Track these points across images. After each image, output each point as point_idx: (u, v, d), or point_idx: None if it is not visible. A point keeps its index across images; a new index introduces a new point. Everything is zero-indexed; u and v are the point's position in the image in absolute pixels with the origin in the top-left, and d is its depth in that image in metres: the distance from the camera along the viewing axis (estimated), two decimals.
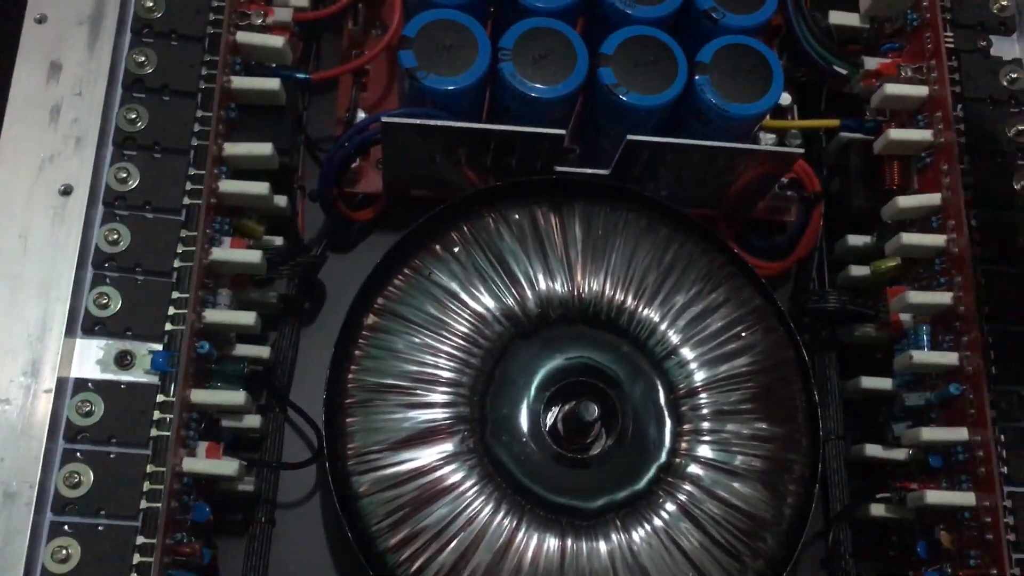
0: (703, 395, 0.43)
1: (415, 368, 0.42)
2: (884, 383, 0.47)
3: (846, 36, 0.52)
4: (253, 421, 0.45)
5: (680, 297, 0.44)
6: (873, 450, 0.47)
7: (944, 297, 0.44)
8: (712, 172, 0.48)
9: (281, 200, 0.47)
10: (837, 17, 0.51)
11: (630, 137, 0.44)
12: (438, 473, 0.41)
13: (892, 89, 0.48)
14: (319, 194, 0.48)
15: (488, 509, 0.40)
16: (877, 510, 0.46)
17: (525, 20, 0.46)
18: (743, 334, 0.44)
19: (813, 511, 0.43)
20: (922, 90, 0.48)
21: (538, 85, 0.45)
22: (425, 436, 0.41)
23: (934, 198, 0.46)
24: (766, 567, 0.42)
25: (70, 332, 0.39)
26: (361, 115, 0.51)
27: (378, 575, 0.40)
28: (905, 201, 0.46)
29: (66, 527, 0.37)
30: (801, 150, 0.47)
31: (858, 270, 0.49)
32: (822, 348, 0.50)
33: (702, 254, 0.45)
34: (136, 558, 0.37)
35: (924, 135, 0.47)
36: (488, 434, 0.42)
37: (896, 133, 0.47)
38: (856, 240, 0.50)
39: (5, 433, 0.37)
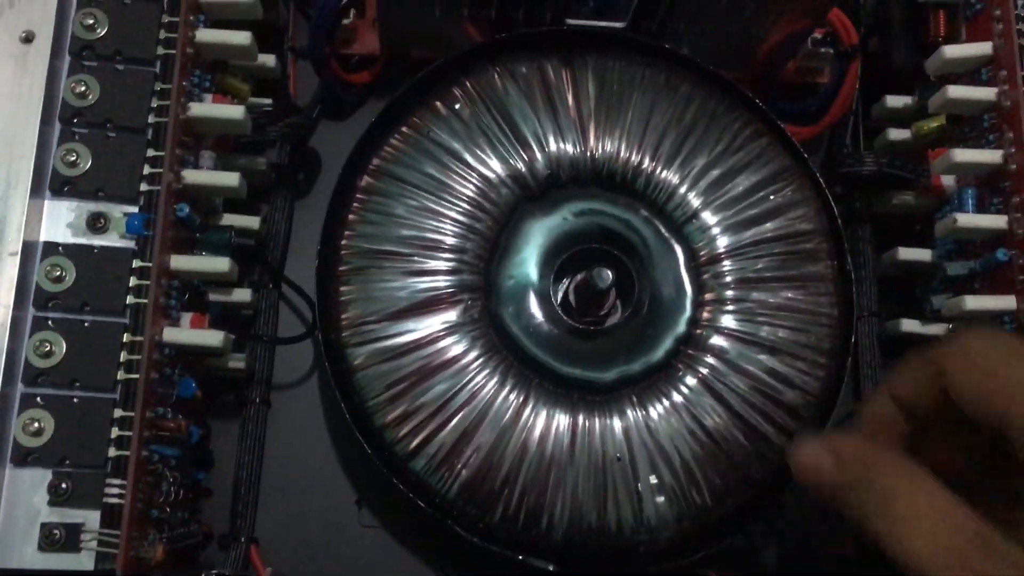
0: (726, 262, 0.40)
1: (414, 233, 0.39)
2: (923, 254, 0.44)
3: None
4: (243, 295, 0.42)
5: (702, 158, 0.40)
6: (910, 325, 0.43)
7: (994, 155, 0.40)
8: (738, 25, 0.43)
9: (268, 59, 0.43)
10: None
11: None
12: (439, 344, 0.38)
13: None
14: (310, 51, 0.44)
15: (493, 383, 0.37)
16: None
17: None
18: (771, 197, 0.40)
19: (844, 388, 0.40)
20: None
21: None
22: (425, 305, 0.38)
23: (985, 47, 0.42)
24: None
25: (36, 192, 0.36)
26: None
27: (375, 451, 0.37)
28: (952, 51, 0.42)
29: (38, 399, 0.35)
30: None
31: (897, 133, 0.45)
32: (856, 219, 0.46)
33: (726, 111, 0.41)
34: (115, 432, 0.34)
35: None
36: (493, 303, 0.39)
37: None
38: (895, 101, 0.45)
39: None
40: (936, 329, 0.43)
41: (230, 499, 0.42)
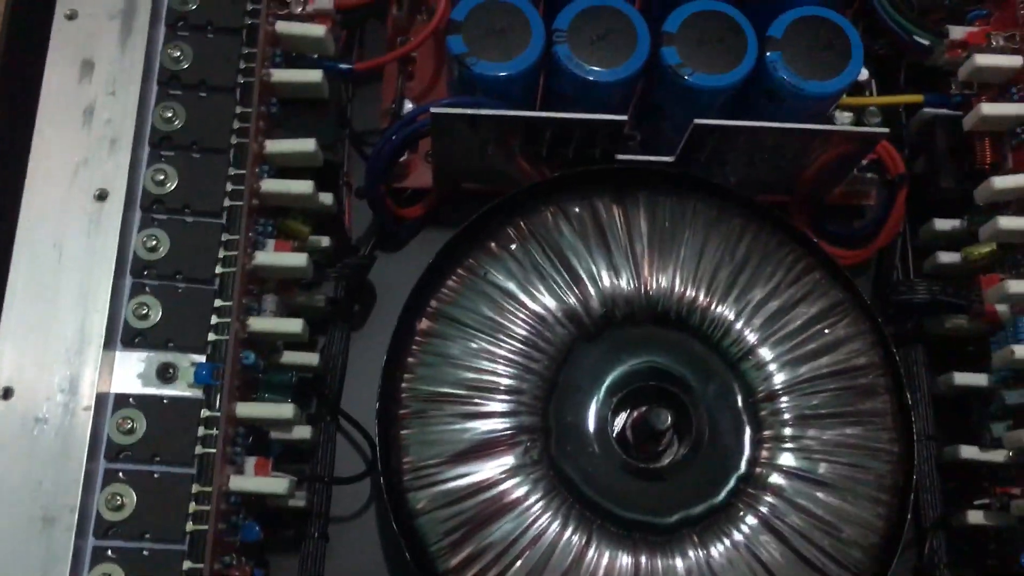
0: (784, 399, 0.40)
1: (472, 375, 0.39)
2: (980, 379, 0.43)
3: (927, 4, 0.48)
4: (303, 432, 0.43)
5: (756, 293, 0.41)
6: (969, 452, 0.43)
7: None
8: (786, 156, 0.44)
9: (327, 198, 0.44)
10: None
11: (697, 121, 0.41)
12: (500, 488, 0.38)
13: (983, 60, 0.44)
14: (366, 191, 0.46)
15: (556, 525, 0.37)
16: (975, 518, 0.42)
17: None
18: (825, 331, 0.41)
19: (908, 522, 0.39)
20: (1016, 60, 0.44)
21: (596, 68, 0.42)
22: (485, 448, 0.38)
23: None
24: None
25: (109, 345, 0.37)
26: (408, 106, 0.48)
27: None
28: (1001, 182, 0.42)
29: (109, 552, 0.35)
30: (886, 130, 0.43)
31: (947, 256, 0.45)
32: (908, 341, 0.46)
33: (778, 245, 0.42)
34: None
35: (1020, 109, 0.43)
36: (552, 445, 0.39)
37: (989, 108, 0.43)
38: (944, 224, 0.46)
39: (43, 456, 0.35)
40: (997, 456, 0.42)
41: None
